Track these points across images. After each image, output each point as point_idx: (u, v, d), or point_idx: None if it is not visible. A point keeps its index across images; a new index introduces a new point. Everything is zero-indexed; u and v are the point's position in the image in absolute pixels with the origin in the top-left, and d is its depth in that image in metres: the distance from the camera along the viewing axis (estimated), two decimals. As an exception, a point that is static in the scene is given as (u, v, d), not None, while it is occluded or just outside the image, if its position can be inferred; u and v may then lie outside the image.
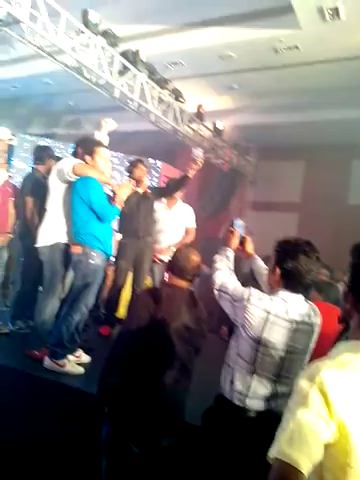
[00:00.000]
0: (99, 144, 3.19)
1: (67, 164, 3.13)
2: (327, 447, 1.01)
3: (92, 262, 2.99)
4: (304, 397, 1.01)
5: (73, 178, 3.07)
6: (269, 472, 1.00)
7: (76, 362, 3.12)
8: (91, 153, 3.12)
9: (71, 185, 3.11)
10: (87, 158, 3.11)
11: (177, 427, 2.15)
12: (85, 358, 3.28)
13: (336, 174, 7.16)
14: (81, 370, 3.03)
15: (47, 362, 2.99)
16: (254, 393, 1.84)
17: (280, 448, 1.00)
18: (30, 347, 3.20)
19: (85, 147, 3.16)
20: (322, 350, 1.96)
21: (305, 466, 0.97)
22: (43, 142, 6.94)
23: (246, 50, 5.15)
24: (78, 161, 3.17)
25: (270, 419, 1.83)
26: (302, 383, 1.05)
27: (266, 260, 2.37)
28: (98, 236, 3.04)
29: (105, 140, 3.48)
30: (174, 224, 4.42)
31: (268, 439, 1.39)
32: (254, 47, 5.07)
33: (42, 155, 4.08)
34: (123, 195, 3.17)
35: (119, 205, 3.13)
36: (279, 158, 7.79)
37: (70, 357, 3.09)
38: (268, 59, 5.26)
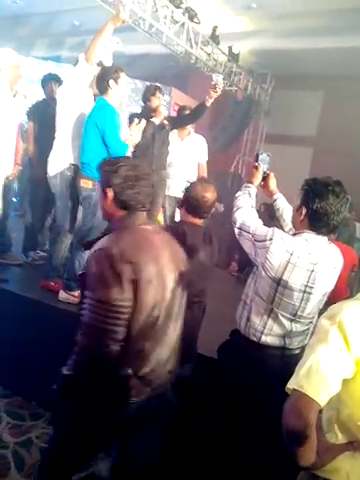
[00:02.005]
0: (121, 69, 3.01)
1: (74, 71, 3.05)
2: (345, 382, 1.08)
3: None
4: (325, 334, 1.08)
5: (87, 66, 2.97)
6: (286, 402, 1.07)
7: None
8: (116, 78, 2.94)
9: (82, 108, 3.02)
10: (111, 83, 2.93)
11: (191, 357, 2.23)
12: None
13: (356, 108, 6.76)
14: None
15: (62, 295, 3.05)
16: (270, 330, 1.88)
17: (298, 380, 1.07)
18: (45, 278, 3.26)
19: (109, 71, 2.98)
20: (334, 289, 1.98)
21: (321, 398, 1.04)
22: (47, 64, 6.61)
23: None
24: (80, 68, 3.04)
25: (283, 355, 1.91)
26: (323, 322, 1.12)
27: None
28: None
29: (109, 61, 3.28)
30: (185, 157, 4.28)
31: (280, 373, 1.45)
32: None
33: (48, 81, 3.92)
34: (137, 138, 3.06)
35: (130, 145, 3.03)
36: (296, 87, 7.34)
37: None
38: (292, -26, 4.79)
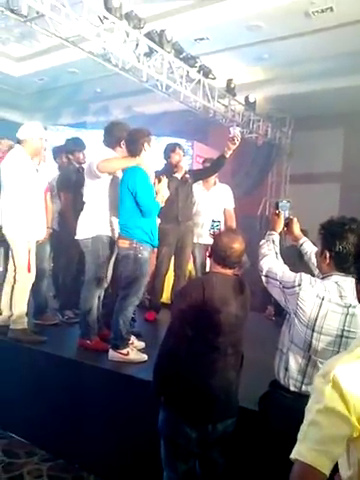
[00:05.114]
0: (150, 132, 3.13)
1: (94, 160, 3.13)
2: (354, 441, 1.00)
3: (140, 256, 2.97)
4: (320, 395, 1.01)
5: (100, 175, 3.09)
6: (291, 472, 0.99)
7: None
8: (149, 141, 3.07)
9: (107, 177, 3.14)
10: (145, 146, 3.06)
11: (232, 411, 2.16)
12: (138, 344, 3.29)
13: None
14: (145, 357, 3.01)
15: (111, 354, 3.04)
16: (310, 379, 1.81)
17: (298, 448, 0.99)
18: (81, 337, 3.28)
19: (141, 135, 3.07)
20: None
21: (324, 465, 0.96)
22: (73, 132, 7.00)
23: (275, 18, 4.90)
24: (104, 156, 3.13)
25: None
26: (317, 380, 1.04)
27: (304, 233, 2.31)
28: (145, 229, 3.01)
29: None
30: (212, 206, 4.38)
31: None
32: (283, 13, 4.81)
33: (72, 148, 4.15)
34: (166, 193, 3.14)
35: (161, 202, 3.11)
36: (316, 127, 7.41)
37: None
38: (299, 25, 4.99)
